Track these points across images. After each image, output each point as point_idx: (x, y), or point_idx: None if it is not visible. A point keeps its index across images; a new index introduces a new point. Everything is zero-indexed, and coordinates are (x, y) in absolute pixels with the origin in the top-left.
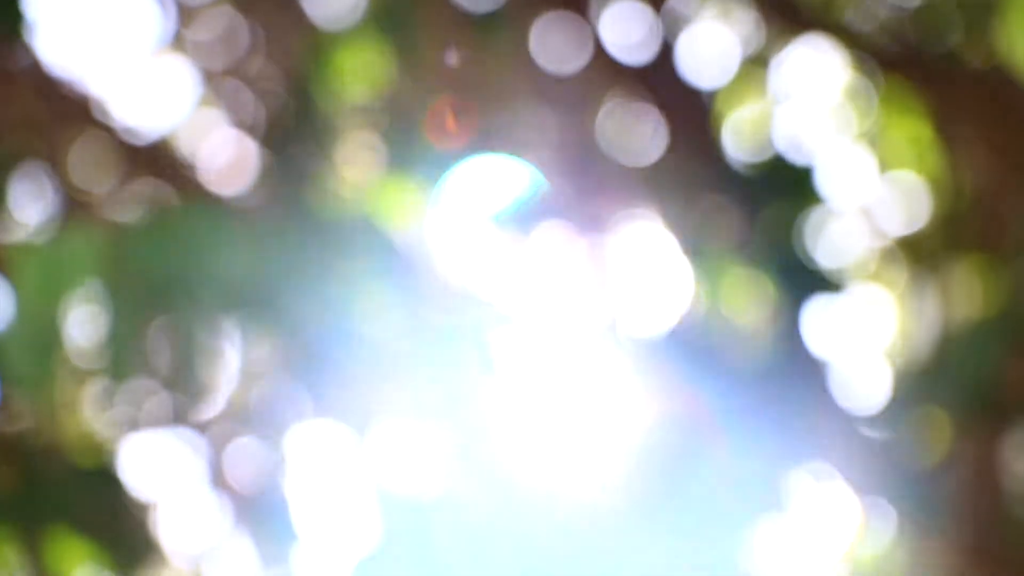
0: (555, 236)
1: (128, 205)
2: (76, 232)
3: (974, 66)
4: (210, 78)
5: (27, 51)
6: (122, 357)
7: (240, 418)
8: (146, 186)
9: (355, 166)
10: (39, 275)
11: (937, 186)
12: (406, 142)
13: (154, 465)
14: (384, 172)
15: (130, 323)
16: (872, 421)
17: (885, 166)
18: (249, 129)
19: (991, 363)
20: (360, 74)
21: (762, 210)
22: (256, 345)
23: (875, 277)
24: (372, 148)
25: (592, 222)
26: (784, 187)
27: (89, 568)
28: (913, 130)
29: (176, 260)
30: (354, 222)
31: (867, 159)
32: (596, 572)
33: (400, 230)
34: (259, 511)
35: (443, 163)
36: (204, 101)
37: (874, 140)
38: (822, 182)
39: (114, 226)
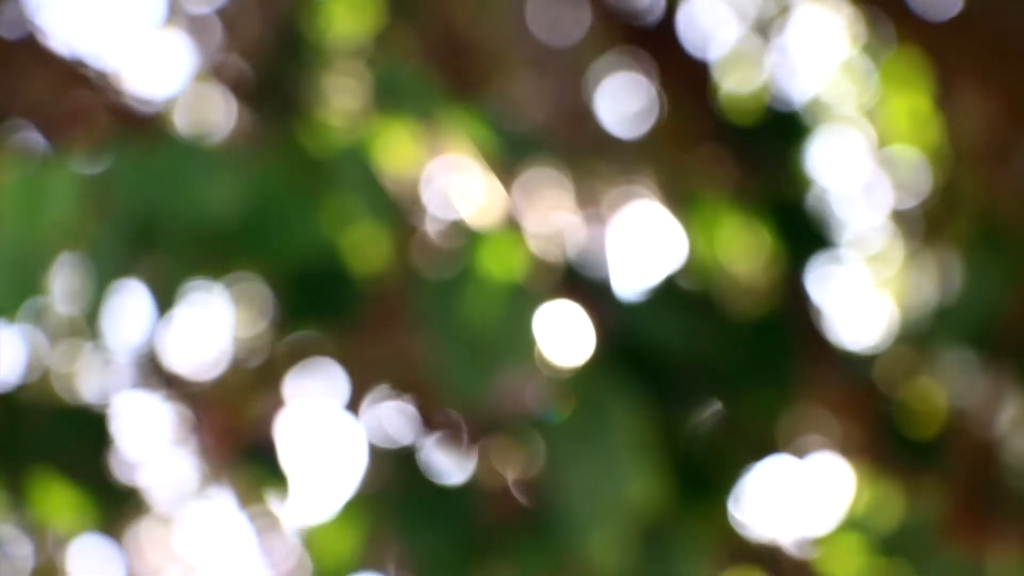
0: (548, 184)
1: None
2: (60, 164)
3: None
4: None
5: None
6: (102, 297)
7: (227, 363)
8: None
9: (346, 101)
10: (20, 203)
11: (937, 158)
12: (397, 79)
13: (139, 408)
14: (375, 108)
15: (113, 261)
16: (870, 363)
17: (884, 140)
18: (237, 67)
19: (994, 300)
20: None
21: (760, 159)
22: (241, 284)
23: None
24: (362, 83)
25: (588, 177)
26: (782, 136)
27: (71, 510)
28: (914, 102)
29: (160, 193)
30: (344, 158)
31: (866, 131)
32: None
33: (392, 167)
34: (244, 457)
35: (435, 102)
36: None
37: (873, 114)
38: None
39: (98, 158)
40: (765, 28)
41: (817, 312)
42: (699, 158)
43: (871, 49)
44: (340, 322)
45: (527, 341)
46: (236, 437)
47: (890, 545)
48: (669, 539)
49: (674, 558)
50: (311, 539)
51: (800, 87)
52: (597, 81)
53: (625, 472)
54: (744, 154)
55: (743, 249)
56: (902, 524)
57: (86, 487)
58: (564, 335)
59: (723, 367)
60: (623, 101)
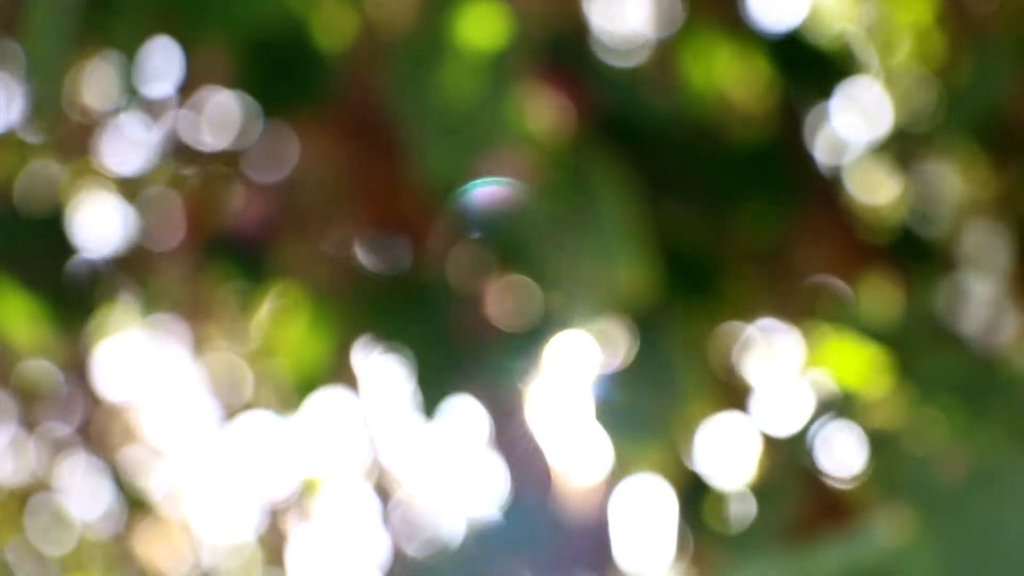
0: None
1: None
2: None
3: None
4: None
5: None
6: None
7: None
8: None
9: None
10: None
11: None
12: None
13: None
14: None
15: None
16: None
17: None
18: None
19: (1000, 88)
20: None
21: None
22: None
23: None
24: None
25: None
26: None
27: (33, 320)
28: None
29: None
30: None
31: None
32: None
33: None
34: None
35: None
36: None
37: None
38: None
39: None
40: None
41: (813, 139)
42: None
43: None
44: (306, 99)
45: (508, 116)
46: (204, 230)
47: (889, 341)
48: (659, 329)
49: (664, 348)
50: (281, 346)
51: None
52: None
53: (614, 256)
54: None
55: (740, 78)
56: (900, 320)
57: (45, 295)
58: (547, 110)
59: (718, 189)
60: None
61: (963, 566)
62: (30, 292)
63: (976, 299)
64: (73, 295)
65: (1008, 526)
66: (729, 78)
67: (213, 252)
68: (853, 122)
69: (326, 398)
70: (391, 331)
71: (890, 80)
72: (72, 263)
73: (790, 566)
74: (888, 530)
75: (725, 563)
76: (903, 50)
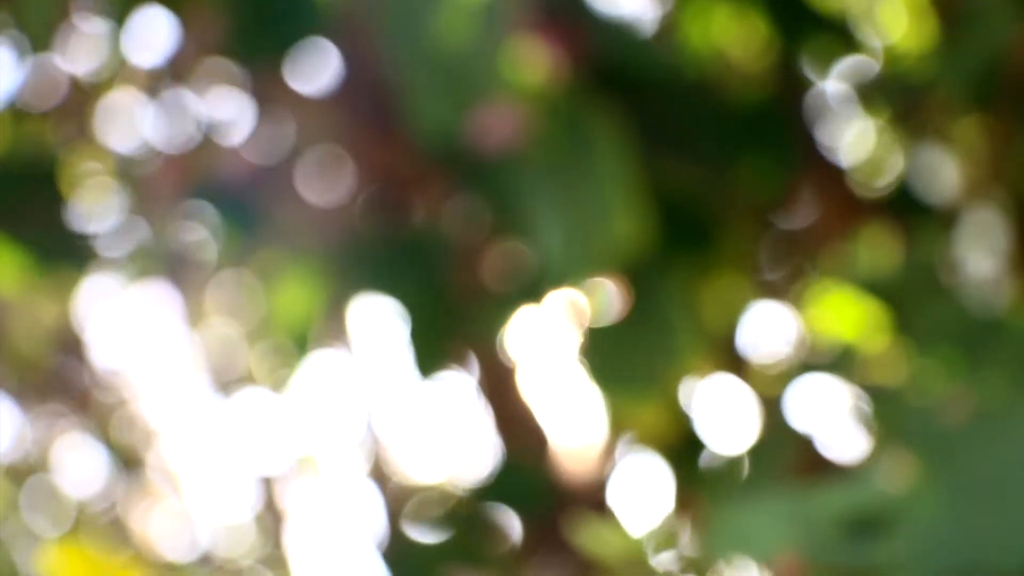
0: None
1: None
2: None
3: None
4: None
5: None
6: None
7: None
8: None
9: None
10: None
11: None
12: None
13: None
14: None
15: None
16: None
17: None
18: None
19: (1002, 37)
20: None
21: None
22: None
23: None
24: None
25: None
26: None
27: (18, 269)
28: None
29: None
30: None
31: None
32: None
33: None
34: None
35: None
36: None
37: None
38: None
39: None
40: None
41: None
42: None
43: None
44: (295, 47)
45: (502, 66)
46: (188, 176)
47: (887, 294)
48: (655, 283)
49: (659, 302)
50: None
51: None
52: None
53: (610, 208)
54: None
55: (737, 35)
56: (899, 273)
57: (34, 243)
58: (542, 60)
59: (716, 143)
60: None
61: (966, 509)
62: (19, 244)
63: (975, 252)
64: (64, 249)
65: (1011, 468)
66: (727, 37)
67: (200, 203)
68: (851, 79)
69: (320, 360)
70: (384, 287)
71: (889, 36)
72: (63, 218)
73: (789, 509)
74: (890, 475)
75: (721, 513)
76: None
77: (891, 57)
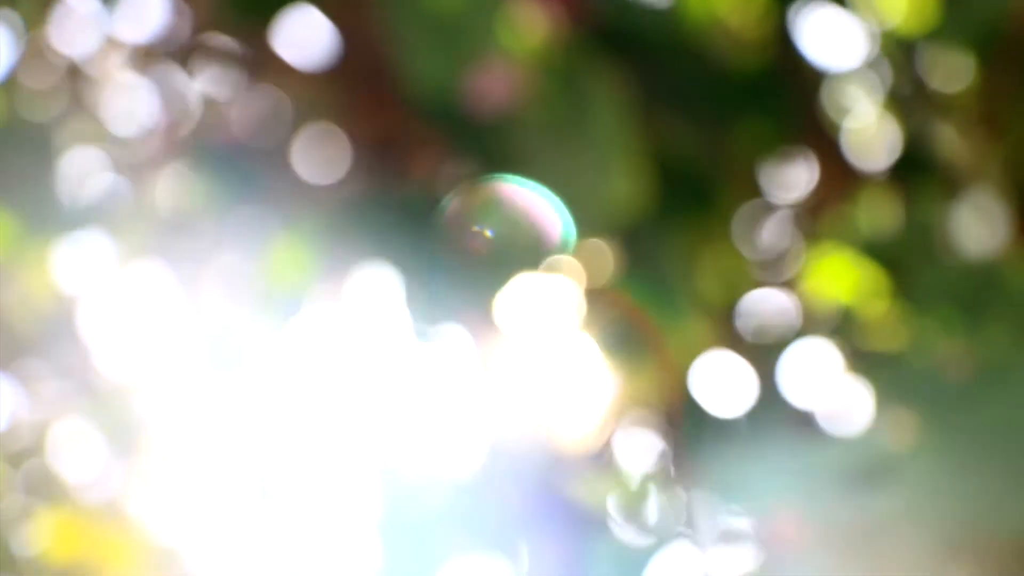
0: None
1: None
2: None
3: None
4: None
5: None
6: None
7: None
8: None
9: None
10: None
11: None
12: None
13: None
14: None
15: None
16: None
17: None
18: None
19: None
20: None
21: None
22: None
23: None
24: None
25: None
26: None
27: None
28: None
29: None
30: None
31: None
32: None
33: None
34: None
35: None
36: None
37: None
38: None
39: None
40: None
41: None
42: None
43: None
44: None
45: (498, 23)
46: (181, 146)
47: (886, 256)
48: (653, 244)
49: (658, 263)
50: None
51: None
52: None
53: (608, 168)
54: None
55: (736, 5)
56: (898, 235)
57: (20, 207)
58: (539, 18)
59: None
60: None
61: (966, 463)
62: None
63: (974, 213)
64: (55, 217)
65: (1011, 423)
66: (727, 4)
67: (193, 171)
68: (849, 41)
69: (316, 326)
70: (379, 249)
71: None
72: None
73: (789, 463)
74: (891, 430)
75: (719, 467)
76: None
77: (891, 20)
